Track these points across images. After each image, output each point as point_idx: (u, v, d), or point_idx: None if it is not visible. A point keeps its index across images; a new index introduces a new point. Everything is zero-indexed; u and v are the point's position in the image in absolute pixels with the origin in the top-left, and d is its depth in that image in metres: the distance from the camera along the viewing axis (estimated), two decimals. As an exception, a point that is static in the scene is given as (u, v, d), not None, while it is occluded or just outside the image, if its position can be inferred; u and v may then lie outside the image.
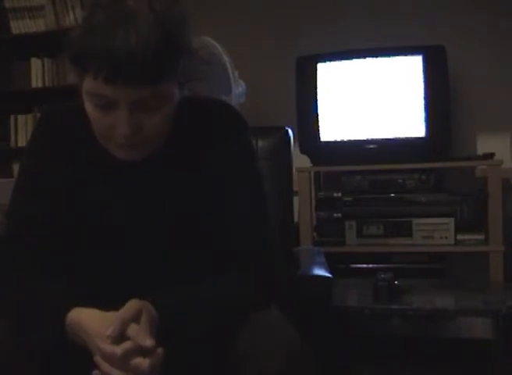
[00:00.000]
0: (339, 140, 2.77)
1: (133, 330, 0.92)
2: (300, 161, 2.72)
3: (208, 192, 1.11)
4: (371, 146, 2.72)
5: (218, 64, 2.54)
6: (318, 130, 2.77)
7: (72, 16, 3.30)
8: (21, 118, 3.50)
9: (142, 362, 0.91)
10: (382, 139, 2.71)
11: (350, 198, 2.74)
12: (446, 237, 2.63)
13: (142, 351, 0.91)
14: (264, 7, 3.14)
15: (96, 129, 1.03)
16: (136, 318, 0.94)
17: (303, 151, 2.78)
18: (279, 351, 0.96)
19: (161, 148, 1.07)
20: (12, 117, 3.51)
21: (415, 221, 2.65)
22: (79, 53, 0.95)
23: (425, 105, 2.65)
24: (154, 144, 1.05)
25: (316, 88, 2.77)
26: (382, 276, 2.26)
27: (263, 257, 1.11)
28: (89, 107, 1.00)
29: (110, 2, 0.94)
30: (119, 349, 0.91)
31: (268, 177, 1.23)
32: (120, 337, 0.92)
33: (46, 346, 0.98)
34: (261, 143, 1.68)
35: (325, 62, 2.77)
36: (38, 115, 3.40)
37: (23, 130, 3.49)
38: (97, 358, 0.93)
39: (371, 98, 2.72)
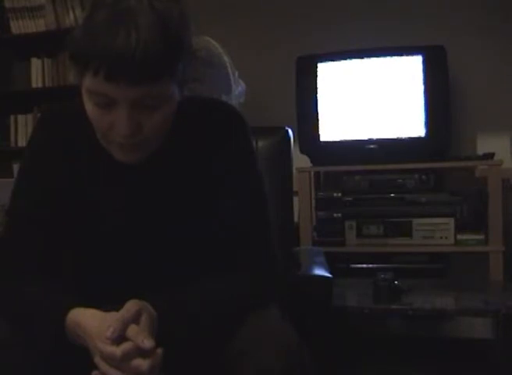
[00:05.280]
0: (339, 140, 2.77)
1: (132, 330, 0.92)
2: (300, 161, 2.72)
3: (208, 192, 1.11)
4: (371, 146, 2.72)
5: (219, 64, 2.53)
6: (318, 130, 2.78)
7: (72, 16, 3.30)
8: (21, 118, 3.50)
9: (142, 363, 0.91)
10: (382, 139, 2.71)
11: (350, 198, 2.74)
12: (446, 237, 2.63)
13: (142, 352, 0.91)
14: (264, 7, 3.14)
15: (96, 128, 1.03)
16: (135, 319, 0.94)
17: (303, 151, 2.78)
18: (279, 351, 0.96)
19: (161, 149, 1.07)
20: (12, 117, 3.51)
21: (415, 221, 2.65)
22: (79, 50, 0.95)
23: (425, 105, 2.65)
24: (154, 145, 1.05)
25: (316, 88, 2.77)
26: (382, 276, 2.26)
27: (263, 257, 1.11)
28: (89, 106, 1.00)
29: (111, 1, 0.94)
30: (118, 350, 0.90)
31: (268, 177, 1.23)
32: (120, 337, 0.92)
33: (46, 346, 0.98)
34: (261, 143, 1.68)
35: (325, 62, 2.78)
36: (38, 115, 3.40)
37: (23, 130, 3.49)
38: (97, 359, 0.93)
39: (371, 98, 2.72)
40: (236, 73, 2.63)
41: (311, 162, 2.84)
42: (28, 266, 1.08)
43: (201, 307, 1.03)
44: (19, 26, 3.42)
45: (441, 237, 2.64)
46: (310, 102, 2.77)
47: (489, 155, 2.60)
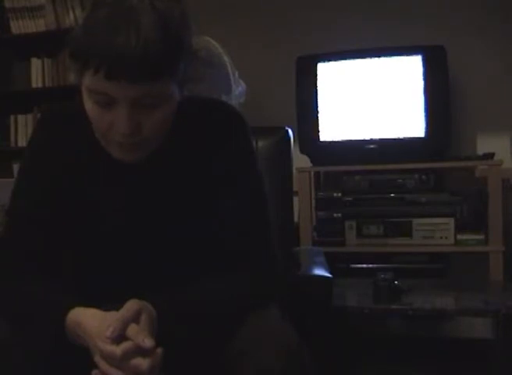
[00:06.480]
0: (339, 140, 2.77)
1: (132, 330, 0.92)
2: (300, 161, 2.72)
3: (208, 192, 1.11)
4: (371, 146, 2.72)
5: (219, 64, 2.54)
6: (318, 130, 2.77)
7: (72, 16, 3.30)
8: (21, 118, 3.50)
9: (141, 363, 0.91)
10: (382, 139, 2.71)
11: (350, 198, 2.74)
12: (446, 237, 2.63)
13: (141, 352, 0.91)
14: (264, 7, 3.14)
15: (96, 128, 1.03)
16: (135, 318, 0.94)
17: (303, 151, 2.78)
18: (279, 351, 0.96)
19: (161, 148, 1.07)
20: (12, 117, 3.51)
21: (415, 221, 2.65)
22: (80, 48, 0.95)
23: (425, 105, 2.65)
24: (153, 145, 1.05)
25: (316, 88, 2.77)
26: (382, 276, 2.26)
27: (263, 257, 1.12)
28: (88, 105, 1.00)
29: (112, 0, 0.94)
30: (118, 349, 0.91)
31: (268, 177, 1.23)
32: (120, 337, 0.92)
33: (46, 346, 0.98)
34: (261, 143, 1.68)
35: (325, 62, 2.78)
36: (38, 115, 3.40)
37: (23, 130, 3.49)
38: (97, 358, 0.93)
39: (371, 98, 2.72)
40: (236, 73, 2.63)
41: (311, 162, 2.84)
42: (28, 266, 1.08)
43: (201, 307, 1.03)
44: (19, 26, 3.42)
45: (441, 237, 2.63)
46: (310, 102, 2.77)
47: (489, 155, 2.60)
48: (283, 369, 0.95)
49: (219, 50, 2.56)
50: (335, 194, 2.74)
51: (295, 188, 1.86)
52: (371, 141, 2.73)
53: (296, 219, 2.30)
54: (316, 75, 2.77)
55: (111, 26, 0.92)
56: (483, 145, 2.87)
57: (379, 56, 2.71)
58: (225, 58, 2.57)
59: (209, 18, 2.93)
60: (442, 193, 2.68)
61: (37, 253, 1.09)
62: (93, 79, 0.95)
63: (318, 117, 2.77)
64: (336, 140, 2.77)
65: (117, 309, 0.95)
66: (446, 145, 2.71)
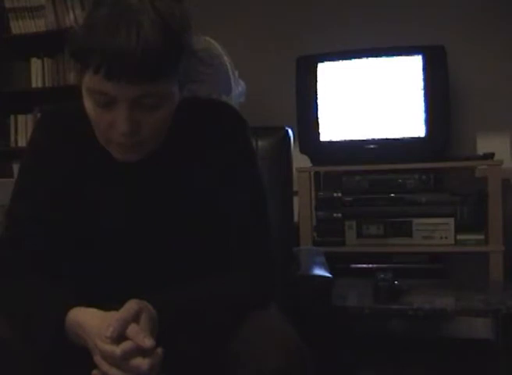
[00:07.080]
0: (339, 140, 2.77)
1: (132, 330, 0.92)
2: (300, 161, 2.72)
3: (208, 192, 1.11)
4: (371, 146, 2.72)
5: (219, 65, 2.53)
6: (318, 130, 2.77)
7: (72, 16, 3.30)
8: (21, 118, 3.51)
9: (142, 362, 0.91)
10: (382, 139, 2.71)
11: (350, 198, 2.74)
12: (446, 237, 2.63)
13: (142, 352, 0.91)
14: (264, 7, 3.14)
15: (95, 128, 1.03)
16: (135, 318, 0.94)
17: (303, 151, 2.78)
18: (279, 351, 0.96)
19: (160, 148, 1.07)
20: (12, 117, 3.51)
21: (415, 221, 2.65)
22: (80, 48, 0.96)
23: (425, 105, 2.65)
24: (153, 145, 1.05)
25: (316, 88, 2.77)
26: (382, 276, 2.26)
27: (262, 257, 1.12)
28: (89, 104, 1.01)
29: (113, 0, 0.94)
30: (118, 349, 0.91)
31: (268, 177, 1.23)
32: (120, 337, 0.92)
33: (46, 346, 0.98)
34: (261, 143, 1.68)
35: (325, 62, 2.78)
36: (38, 115, 3.40)
37: (23, 130, 3.49)
38: (97, 358, 0.93)
39: (370, 98, 2.72)
40: (236, 73, 2.63)
41: (311, 162, 2.84)
42: (28, 266, 1.08)
43: (201, 307, 1.03)
44: (19, 26, 3.42)
45: (441, 237, 2.63)
46: (310, 102, 2.77)
47: (489, 155, 2.60)
48: (283, 369, 0.95)
49: (220, 50, 2.56)
50: (335, 194, 2.74)
51: (295, 188, 1.86)
52: (371, 141, 2.73)
53: (296, 219, 2.30)
54: (316, 75, 2.77)
55: (111, 26, 0.92)
56: (483, 145, 2.87)
57: (379, 56, 2.71)
58: (226, 59, 2.57)
59: (210, 18, 2.93)
60: (442, 193, 2.68)
61: (38, 253, 1.09)
62: (93, 78, 0.95)
63: (318, 117, 2.77)
64: (336, 140, 2.77)
65: (117, 309, 0.95)
66: (446, 145, 2.71)
